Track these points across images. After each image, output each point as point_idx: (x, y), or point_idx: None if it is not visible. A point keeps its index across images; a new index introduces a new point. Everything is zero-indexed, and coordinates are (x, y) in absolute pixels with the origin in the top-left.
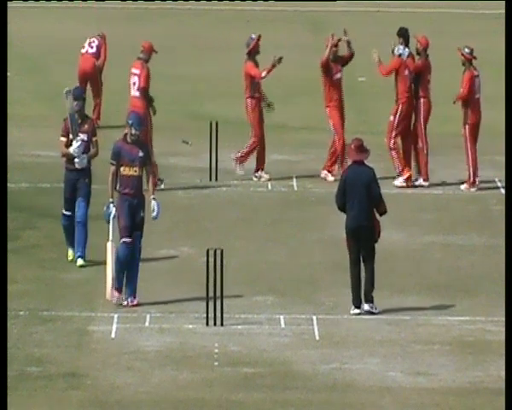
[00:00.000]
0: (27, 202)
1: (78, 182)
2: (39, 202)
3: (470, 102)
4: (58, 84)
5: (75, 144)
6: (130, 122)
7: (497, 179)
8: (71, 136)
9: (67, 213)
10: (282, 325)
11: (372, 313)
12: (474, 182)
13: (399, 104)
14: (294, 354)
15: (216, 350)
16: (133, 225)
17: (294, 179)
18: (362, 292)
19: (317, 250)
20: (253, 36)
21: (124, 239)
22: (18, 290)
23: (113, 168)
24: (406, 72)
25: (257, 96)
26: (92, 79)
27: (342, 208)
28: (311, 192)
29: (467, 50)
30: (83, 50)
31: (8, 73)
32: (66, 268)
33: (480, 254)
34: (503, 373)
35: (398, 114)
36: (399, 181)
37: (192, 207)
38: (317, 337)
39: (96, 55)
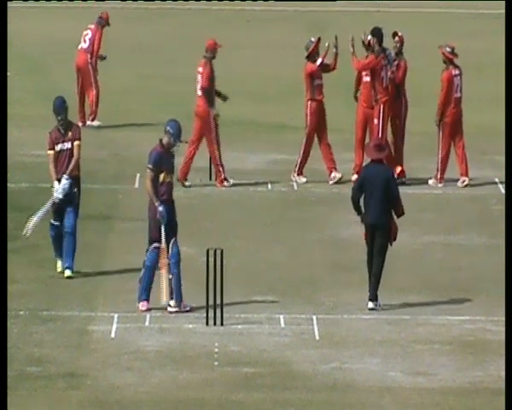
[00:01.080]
0: (27, 202)
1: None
2: (39, 202)
3: (448, 100)
4: (58, 84)
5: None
6: (171, 132)
7: (497, 179)
8: (57, 147)
9: (56, 223)
10: (282, 325)
11: (376, 309)
12: (442, 178)
13: (380, 105)
14: (294, 354)
15: (216, 350)
16: (170, 230)
17: (294, 179)
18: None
19: (317, 250)
20: (313, 39)
21: (155, 245)
22: (18, 290)
23: (152, 175)
24: (383, 73)
25: (318, 98)
26: (84, 73)
27: (356, 203)
28: (311, 192)
29: (448, 49)
30: (79, 46)
31: (8, 73)
32: None
33: (480, 254)
34: (503, 373)
35: (381, 115)
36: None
37: (192, 207)
38: (317, 337)
39: (89, 49)
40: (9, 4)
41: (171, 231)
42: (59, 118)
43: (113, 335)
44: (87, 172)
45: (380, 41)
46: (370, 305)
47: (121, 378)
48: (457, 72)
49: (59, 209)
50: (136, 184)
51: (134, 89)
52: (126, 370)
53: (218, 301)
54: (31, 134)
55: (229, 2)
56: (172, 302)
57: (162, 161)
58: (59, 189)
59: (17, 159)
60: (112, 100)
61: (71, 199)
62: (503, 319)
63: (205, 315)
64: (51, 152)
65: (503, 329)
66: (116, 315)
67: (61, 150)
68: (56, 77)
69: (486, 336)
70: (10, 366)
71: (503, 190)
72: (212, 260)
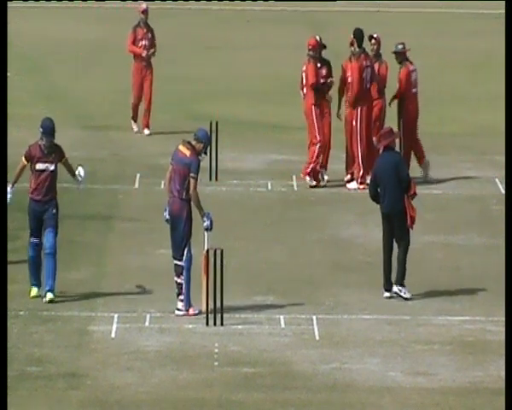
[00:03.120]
0: (27, 201)
1: (44, 213)
2: None
3: (406, 97)
4: (58, 84)
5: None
6: (204, 143)
7: (497, 179)
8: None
9: (35, 240)
10: (282, 325)
11: (401, 297)
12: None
13: (358, 108)
14: (294, 354)
15: (216, 350)
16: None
17: (294, 179)
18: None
19: (317, 250)
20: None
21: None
22: (18, 290)
23: (196, 184)
24: (364, 74)
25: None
26: None
27: (374, 198)
28: (311, 192)
29: (400, 46)
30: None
31: (8, 73)
32: (65, 268)
33: (480, 254)
34: (503, 373)
35: (359, 117)
36: (354, 184)
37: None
38: (317, 337)
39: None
40: (9, 4)
41: (187, 236)
42: (48, 142)
43: (113, 335)
44: (87, 172)
45: (360, 42)
46: (395, 289)
47: (121, 378)
48: (413, 67)
49: (37, 227)
50: (136, 184)
51: None
52: (126, 370)
53: (218, 302)
54: (31, 134)
55: (229, 2)
56: (181, 305)
57: None
58: (81, 177)
59: (17, 159)
60: (112, 100)
61: (50, 218)
62: (503, 319)
63: (205, 315)
64: (26, 162)
65: (503, 329)
66: (116, 315)
67: (43, 170)
68: (56, 77)
69: (486, 336)
70: (10, 366)
71: (503, 190)
72: (212, 260)
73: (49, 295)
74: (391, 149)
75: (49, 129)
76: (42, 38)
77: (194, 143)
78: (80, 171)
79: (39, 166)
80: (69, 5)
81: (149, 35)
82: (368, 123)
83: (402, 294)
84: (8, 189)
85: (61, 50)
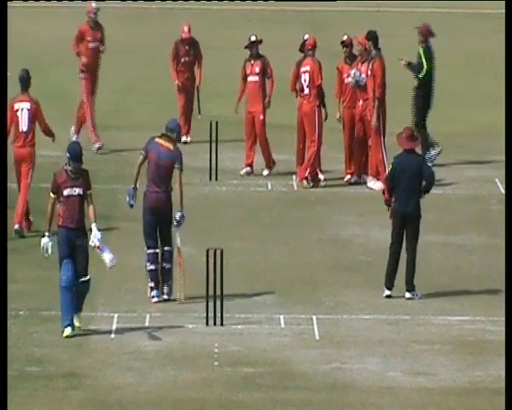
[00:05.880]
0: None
1: (75, 241)
2: (39, 202)
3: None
4: (58, 84)
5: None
6: (176, 130)
7: (497, 179)
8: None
9: (68, 260)
10: (282, 325)
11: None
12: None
13: (380, 108)
14: (294, 353)
15: (216, 350)
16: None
17: (294, 179)
18: (394, 277)
19: (316, 250)
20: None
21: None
22: (18, 290)
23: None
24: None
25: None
26: None
27: (391, 191)
28: (311, 192)
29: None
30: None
31: (9, 73)
32: None
33: (480, 254)
34: (503, 373)
35: (381, 117)
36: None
37: (192, 207)
38: (317, 337)
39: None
40: (9, 4)
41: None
42: (74, 168)
43: (113, 335)
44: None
45: (375, 44)
46: (408, 295)
47: (121, 378)
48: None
49: (70, 252)
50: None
51: (134, 89)
52: (126, 370)
53: (218, 302)
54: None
55: (229, 2)
56: (167, 289)
57: None
58: (95, 238)
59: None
60: (112, 100)
61: (81, 249)
62: (503, 319)
63: (205, 315)
64: (54, 195)
65: (503, 329)
66: (116, 315)
67: (71, 195)
68: (56, 77)
69: (486, 336)
70: (10, 366)
71: (503, 190)
72: (212, 260)
73: (77, 323)
74: (413, 152)
75: (75, 154)
76: (42, 38)
77: (169, 134)
78: (97, 235)
79: (67, 191)
80: (69, 5)
81: (192, 51)
82: (385, 123)
83: (415, 297)
84: (47, 238)
85: (61, 50)
